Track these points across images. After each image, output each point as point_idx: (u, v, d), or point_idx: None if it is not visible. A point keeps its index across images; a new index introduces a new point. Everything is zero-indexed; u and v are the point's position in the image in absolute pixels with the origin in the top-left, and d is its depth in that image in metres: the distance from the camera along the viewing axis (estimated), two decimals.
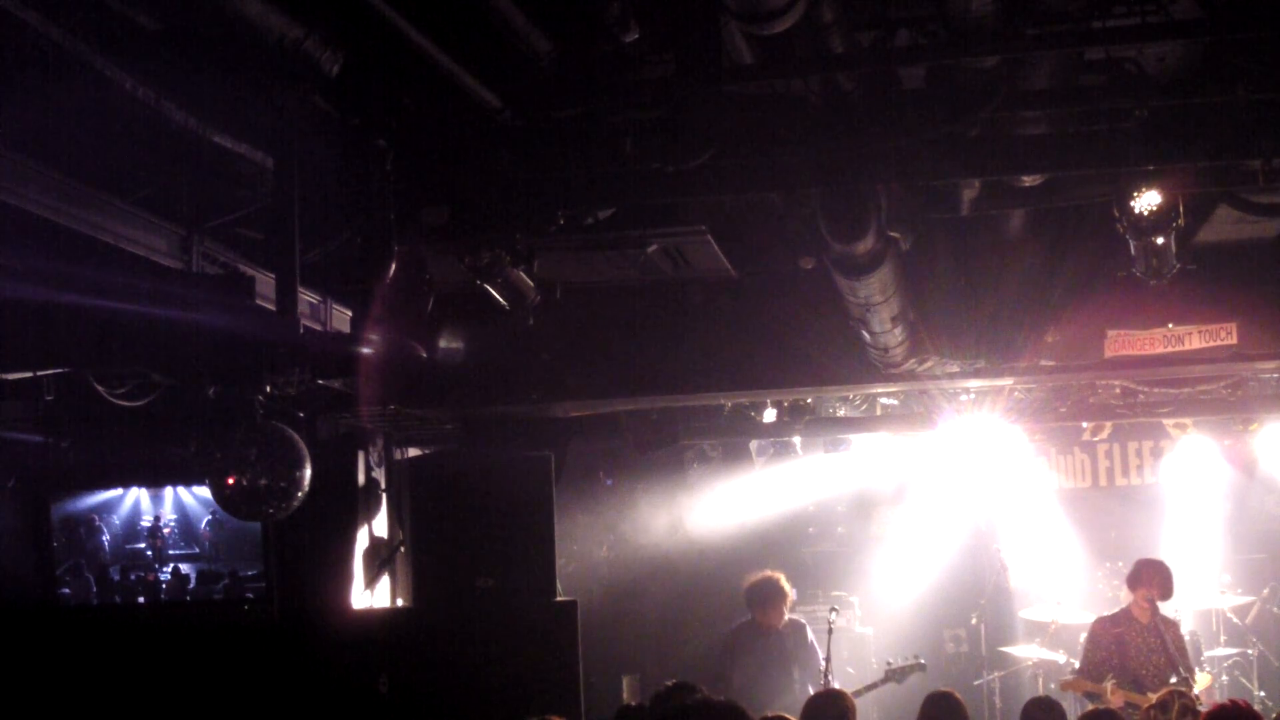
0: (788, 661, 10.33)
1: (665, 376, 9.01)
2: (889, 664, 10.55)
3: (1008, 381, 9.35)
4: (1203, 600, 12.50)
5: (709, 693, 8.92)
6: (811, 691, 9.41)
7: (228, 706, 8.22)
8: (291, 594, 8.41)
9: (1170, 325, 8.38)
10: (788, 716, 7.41)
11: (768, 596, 10.38)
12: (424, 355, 6.86)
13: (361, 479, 8.91)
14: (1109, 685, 9.59)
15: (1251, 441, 11.82)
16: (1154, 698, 9.21)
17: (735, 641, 10.50)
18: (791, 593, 10.62)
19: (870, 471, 13.04)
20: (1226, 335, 8.37)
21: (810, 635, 10.46)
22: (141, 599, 8.51)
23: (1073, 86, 6.06)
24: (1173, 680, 9.41)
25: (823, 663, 10.05)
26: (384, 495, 9.17)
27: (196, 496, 8.47)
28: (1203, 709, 9.09)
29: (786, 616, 10.45)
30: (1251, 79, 5.85)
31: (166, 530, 8.50)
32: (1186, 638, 10.32)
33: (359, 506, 8.87)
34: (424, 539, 8.91)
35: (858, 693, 9.00)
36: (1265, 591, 12.86)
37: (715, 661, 10.62)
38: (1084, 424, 11.87)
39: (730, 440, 12.03)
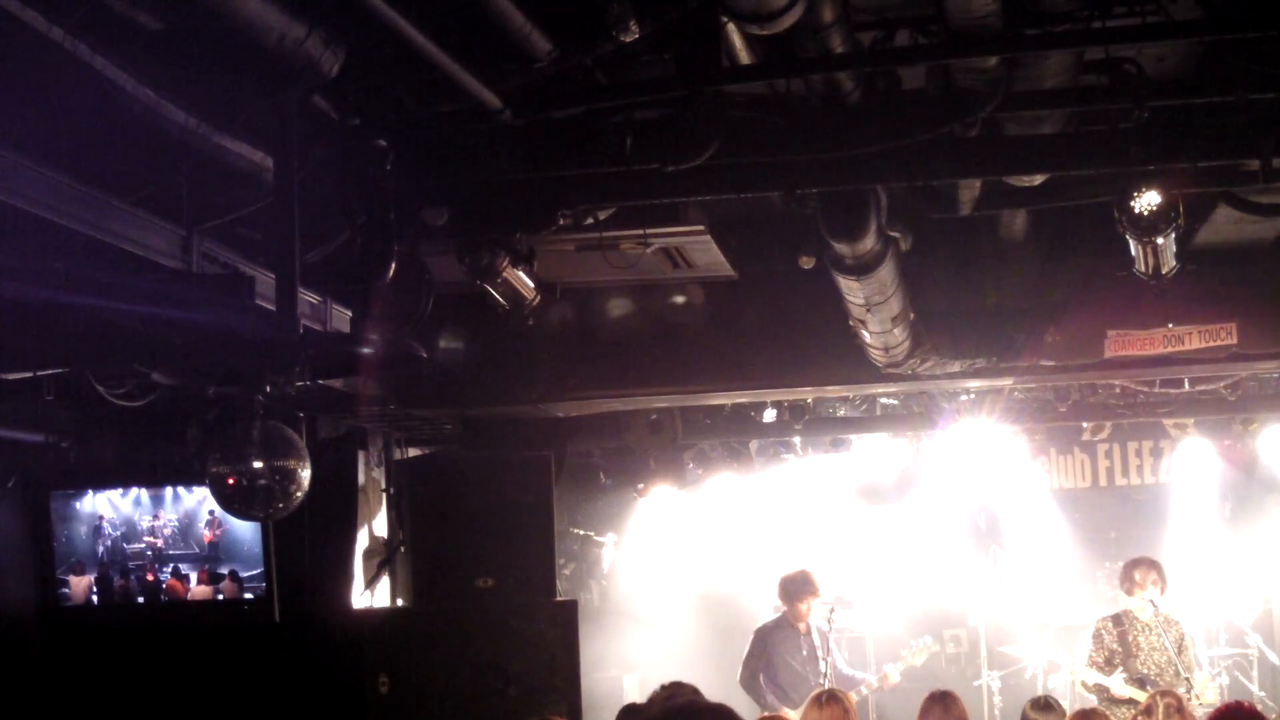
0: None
1: (665, 376, 9.00)
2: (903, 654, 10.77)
3: (1008, 381, 9.35)
4: (1203, 601, 12.50)
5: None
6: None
7: (228, 707, 8.23)
8: (291, 594, 8.40)
9: (1170, 325, 8.37)
10: (786, 716, 7.42)
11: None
12: (424, 355, 6.85)
13: (361, 479, 8.92)
14: (1121, 678, 9.61)
15: (1251, 441, 11.84)
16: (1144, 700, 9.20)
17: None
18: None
19: (870, 471, 13.04)
20: (1226, 335, 8.36)
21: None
22: (141, 599, 8.51)
23: (1073, 86, 6.05)
24: (1184, 676, 9.41)
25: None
26: (384, 495, 9.17)
27: (197, 497, 8.46)
28: (1204, 709, 9.09)
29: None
30: (1251, 79, 5.84)
31: (166, 530, 8.48)
32: (1187, 638, 10.32)
33: (359, 506, 8.88)
34: (424, 539, 8.90)
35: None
36: (1265, 592, 12.86)
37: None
38: (1084, 424, 11.88)
39: (730, 440, 12.03)
